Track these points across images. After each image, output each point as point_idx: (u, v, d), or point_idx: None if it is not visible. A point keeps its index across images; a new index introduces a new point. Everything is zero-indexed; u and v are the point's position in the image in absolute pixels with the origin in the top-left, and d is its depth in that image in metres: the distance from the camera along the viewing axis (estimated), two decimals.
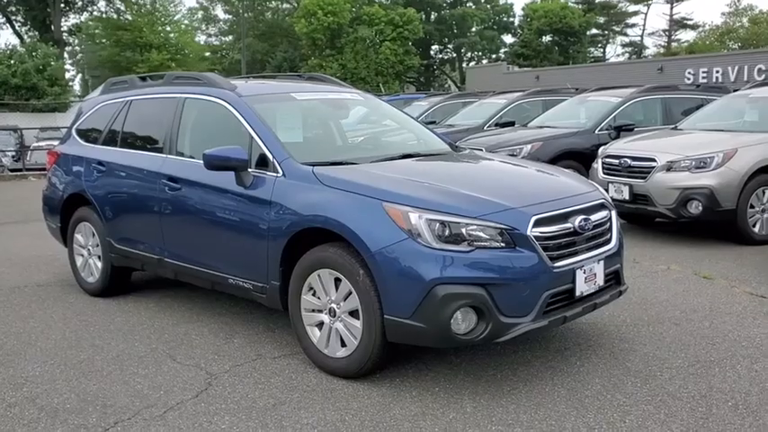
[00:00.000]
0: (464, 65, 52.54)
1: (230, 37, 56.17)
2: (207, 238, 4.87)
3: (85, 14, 50.01)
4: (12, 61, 39.77)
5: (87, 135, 6.22)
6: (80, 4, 50.40)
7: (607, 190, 8.16)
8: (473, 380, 4.14)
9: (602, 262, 4.20)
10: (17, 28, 50.37)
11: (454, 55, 56.48)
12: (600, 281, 4.20)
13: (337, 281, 4.07)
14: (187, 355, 4.63)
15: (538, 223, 3.88)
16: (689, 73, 28.98)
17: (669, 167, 7.62)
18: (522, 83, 29.98)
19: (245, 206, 4.54)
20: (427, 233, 3.74)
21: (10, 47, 40.97)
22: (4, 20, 50.26)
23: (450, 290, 3.67)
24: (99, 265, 5.91)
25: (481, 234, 3.76)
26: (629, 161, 8.00)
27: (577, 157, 9.64)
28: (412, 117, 5.65)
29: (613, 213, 4.46)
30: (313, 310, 4.25)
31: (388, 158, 4.75)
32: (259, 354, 4.61)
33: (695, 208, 7.46)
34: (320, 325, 4.23)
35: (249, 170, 4.52)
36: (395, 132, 5.52)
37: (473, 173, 4.72)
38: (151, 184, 5.25)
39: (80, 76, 63.27)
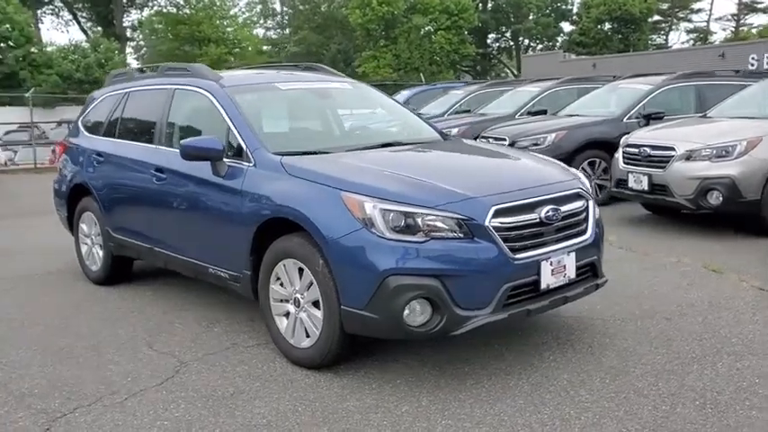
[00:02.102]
0: (522, 53, 51.70)
1: (288, 30, 56.71)
2: (188, 227, 4.93)
3: (146, 10, 51.19)
4: (75, 56, 41.16)
5: (90, 126, 6.37)
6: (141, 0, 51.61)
7: (627, 180, 7.92)
8: (438, 373, 4.07)
9: (573, 254, 4.06)
10: (83, 24, 52.00)
11: (511, 43, 55.68)
12: (571, 273, 4.06)
13: (301, 271, 4.06)
14: (165, 343, 4.70)
15: (498, 213, 3.77)
16: (752, 59, 27.77)
17: (689, 156, 7.32)
18: (580, 70, 29.28)
19: (220, 196, 4.57)
20: (381, 223, 3.68)
21: (74, 43, 42.32)
22: (71, 17, 51.96)
23: (402, 281, 3.61)
24: (101, 253, 6.05)
25: (438, 224, 3.68)
26: (648, 150, 7.71)
27: (604, 147, 9.37)
28: (404, 106, 5.59)
29: (591, 204, 4.31)
30: (281, 300, 4.25)
31: (367, 147, 4.71)
32: (234, 342, 4.64)
33: (715, 199, 7.15)
34: (287, 315, 4.23)
35: (224, 160, 4.54)
36: (382, 121, 5.46)
37: (446, 162, 4.63)
38: (143, 174, 5.33)
39: None
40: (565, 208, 4.06)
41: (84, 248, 6.32)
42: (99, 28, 50.66)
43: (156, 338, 4.77)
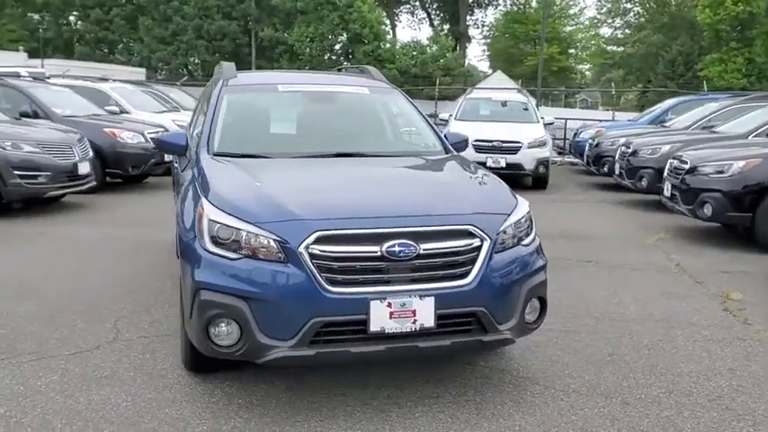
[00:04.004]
0: None
1: (630, 30, 53.85)
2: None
3: (490, 9, 52.83)
4: (415, 52, 44.29)
5: None
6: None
7: None
8: (313, 395, 3.81)
9: (430, 299, 3.45)
10: (434, 22, 55.62)
11: None
12: (426, 321, 3.45)
13: None
14: (130, 320, 5.04)
15: (324, 240, 3.39)
16: None
17: None
18: None
19: (179, 188, 4.80)
20: (206, 234, 3.57)
21: (415, 40, 45.53)
22: (424, 15, 55.94)
23: (209, 297, 3.45)
24: None
25: (255, 243, 3.45)
26: None
27: None
28: (426, 119, 5.15)
29: (485, 245, 3.60)
30: None
31: (316, 156, 4.55)
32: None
33: None
34: None
35: (186, 155, 4.76)
36: (377, 129, 5.12)
37: (351, 179, 4.17)
38: None
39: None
40: (429, 246, 3.47)
41: None
42: (445, 26, 53.70)
43: (128, 312, 5.18)
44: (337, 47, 45.70)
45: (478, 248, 3.57)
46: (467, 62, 47.78)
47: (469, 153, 12.38)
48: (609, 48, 52.75)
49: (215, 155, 4.46)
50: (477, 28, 54.08)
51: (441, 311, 3.48)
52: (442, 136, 5.03)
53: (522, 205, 3.98)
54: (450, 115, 14.14)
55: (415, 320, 3.45)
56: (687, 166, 8.05)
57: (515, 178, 13.05)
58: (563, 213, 10.35)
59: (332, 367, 4.06)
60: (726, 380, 4.17)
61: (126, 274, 6.22)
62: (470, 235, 3.57)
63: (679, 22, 46.15)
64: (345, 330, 3.44)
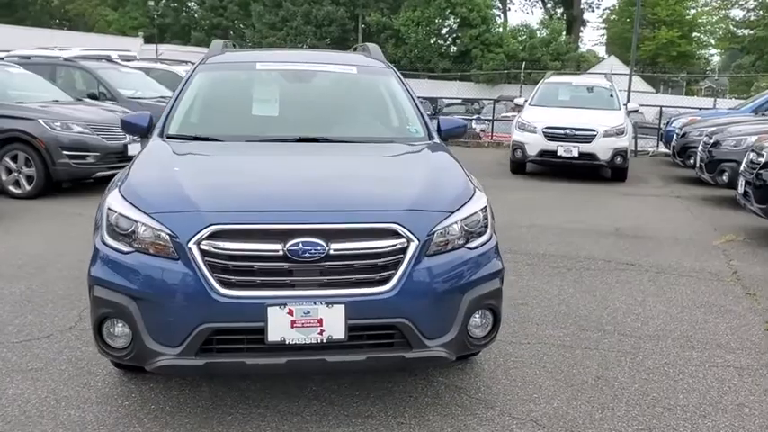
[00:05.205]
0: None
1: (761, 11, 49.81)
2: None
3: None
4: (523, 36, 42.94)
5: None
6: None
7: None
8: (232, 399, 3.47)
9: (339, 306, 2.98)
10: (547, 6, 53.74)
11: None
12: (335, 332, 2.99)
13: None
14: None
15: (218, 235, 3.00)
16: None
17: None
18: None
19: None
20: (104, 224, 3.27)
21: (524, 24, 44.13)
22: None
23: (99, 293, 3.12)
24: None
25: (146, 235, 3.10)
26: None
27: None
28: (416, 103, 4.60)
29: (412, 247, 3.08)
30: None
31: (276, 140, 4.15)
32: None
33: None
34: None
35: (149, 137, 4.48)
36: (351, 112, 4.60)
37: (290, 168, 3.68)
38: None
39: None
40: (341, 246, 3.00)
41: None
42: (560, 9, 51.80)
43: None
44: (444, 31, 45.04)
45: (403, 251, 3.07)
46: (585, 47, 45.89)
47: (539, 141, 11.68)
48: (739, 31, 49.09)
49: (168, 137, 4.15)
50: (593, 11, 51.77)
51: (353, 322, 3.01)
52: (429, 122, 4.49)
53: (476, 201, 3.42)
54: (526, 100, 13.33)
55: (322, 331, 3.00)
56: (763, 160, 7.06)
57: (592, 169, 12.18)
58: (628, 208, 9.45)
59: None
60: (728, 418, 3.46)
61: None
62: (396, 235, 3.07)
63: None
64: (241, 339, 3.03)
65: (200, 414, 3.40)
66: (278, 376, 3.69)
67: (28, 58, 12.27)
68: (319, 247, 2.97)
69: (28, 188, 8.86)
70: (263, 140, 4.13)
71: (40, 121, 8.84)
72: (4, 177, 8.89)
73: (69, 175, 9.13)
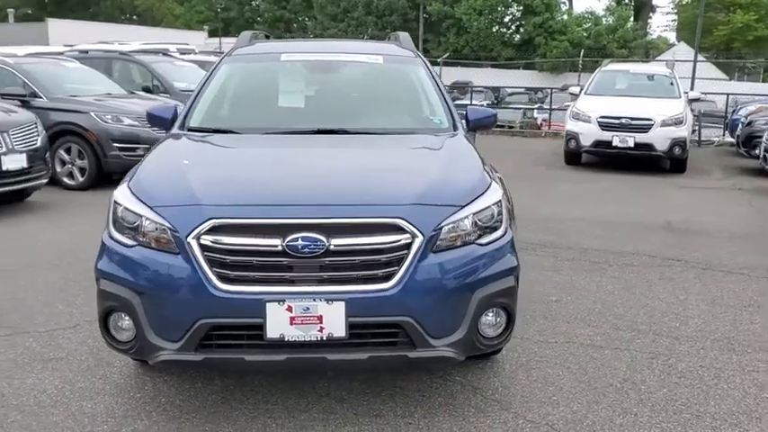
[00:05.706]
0: None
1: None
2: None
3: None
4: (588, 24, 41.91)
5: None
6: None
7: None
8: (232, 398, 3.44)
9: (340, 304, 2.89)
10: None
11: None
12: (335, 330, 2.90)
13: None
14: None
15: (218, 230, 2.95)
16: None
17: None
18: None
19: None
20: (111, 217, 3.28)
21: (589, 10, 43.05)
22: None
23: (104, 287, 3.13)
24: None
25: (149, 229, 3.08)
26: None
27: None
28: (441, 92, 4.45)
29: (417, 242, 2.96)
30: None
31: (295, 132, 4.08)
32: None
33: None
34: None
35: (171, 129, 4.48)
36: (374, 104, 4.47)
37: (301, 161, 3.60)
38: None
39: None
40: (342, 241, 2.91)
41: None
42: None
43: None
44: (506, 19, 44.35)
45: (408, 246, 2.96)
46: (654, 34, 44.51)
47: (594, 131, 11.32)
48: None
49: (189, 129, 4.14)
50: None
51: (354, 319, 2.92)
52: (454, 112, 4.35)
53: (491, 194, 3.27)
54: (582, 89, 12.94)
55: (323, 328, 2.92)
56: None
57: (649, 160, 11.74)
58: (684, 201, 9.06)
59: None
60: (762, 428, 3.24)
61: None
62: (400, 230, 2.96)
63: None
64: (240, 335, 2.98)
65: (209, 408, 3.38)
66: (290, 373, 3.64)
67: (86, 52, 12.58)
68: (319, 243, 2.88)
69: (81, 180, 9.09)
70: (282, 132, 4.07)
71: (92, 113, 9.04)
72: (58, 169, 9.12)
73: (120, 166, 9.24)
